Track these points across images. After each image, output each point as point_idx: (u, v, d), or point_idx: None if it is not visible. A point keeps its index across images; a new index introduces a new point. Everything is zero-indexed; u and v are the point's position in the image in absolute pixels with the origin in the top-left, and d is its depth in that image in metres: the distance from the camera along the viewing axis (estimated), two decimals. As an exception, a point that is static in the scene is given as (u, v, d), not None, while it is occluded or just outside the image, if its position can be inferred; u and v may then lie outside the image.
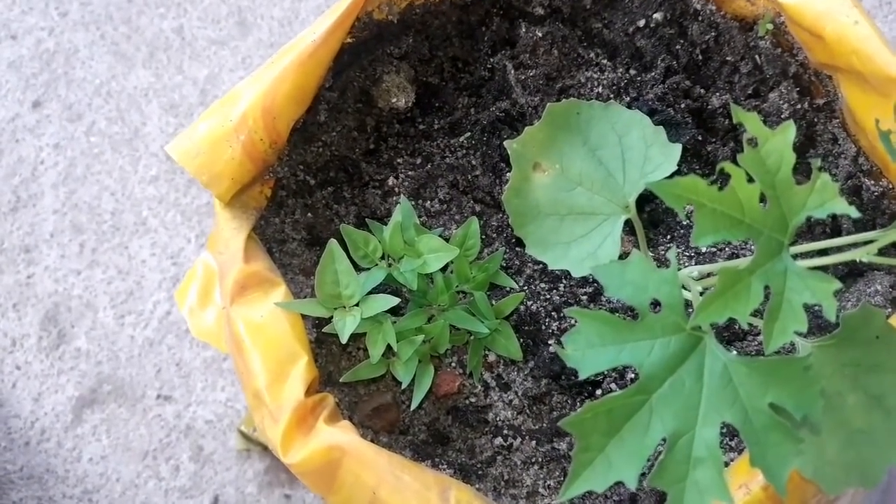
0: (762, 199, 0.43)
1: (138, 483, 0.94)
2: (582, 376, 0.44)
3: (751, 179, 0.42)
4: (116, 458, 0.95)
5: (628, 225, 0.57)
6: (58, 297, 1.01)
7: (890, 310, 0.62)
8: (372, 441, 0.58)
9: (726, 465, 0.58)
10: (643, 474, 0.44)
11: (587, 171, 0.57)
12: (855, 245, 0.49)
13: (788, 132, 0.42)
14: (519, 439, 0.64)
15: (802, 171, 0.70)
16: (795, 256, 0.47)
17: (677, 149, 0.56)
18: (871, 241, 0.48)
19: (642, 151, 0.56)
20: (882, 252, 0.49)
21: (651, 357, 0.44)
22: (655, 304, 0.46)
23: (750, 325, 0.62)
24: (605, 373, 0.65)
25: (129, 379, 0.98)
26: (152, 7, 1.13)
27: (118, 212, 1.04)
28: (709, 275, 0.54)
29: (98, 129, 1.07)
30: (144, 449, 0.96)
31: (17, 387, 0.98)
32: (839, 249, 0.49)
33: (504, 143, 0.59)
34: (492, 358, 0.66)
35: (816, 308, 0.44)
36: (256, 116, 0.61)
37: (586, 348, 0.44)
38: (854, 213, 0.42)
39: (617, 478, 0.43)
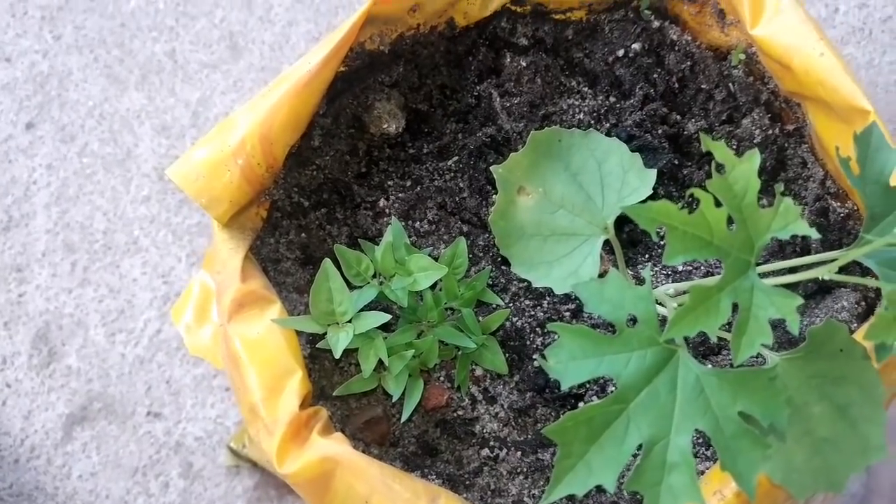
0: (730, 221, 0.45)
1: (128, 500, 0.95)
2: (564, 387, 0.46)
3: (719, 204, 0.45)
4: (106, 475, 0.96)
5: (608, 245, 0.59)
6: (49, 316, 1.02)
7: (856, 325, 0.64)
8: (363, 453, 0.59)
9: (702, 472, 0.61)
10: (621, 480, 0.46)
11: (568, 195, 0.60)
12: (821, 264, 0.51)
13: (753, 160, 0.45)
14: (505, 450, 0.65)
15: (772, 194, 0.73)
16: (764, 275, 0.50)
17: (652, 174, 0.58)
18: (834, 260, 0.51)
19: (620, 176, 0.58)
20: (847, 271, 0.51)
21: (628, 369, 0.46)
22: (633, 319, 0.48)
23: (723, 340, 0.65)
24: (588, 387, 0.67)
25: (120, 396, 0.98)
26: (145, 31, 1.15)
27: (110, 231, 1.05)
28: (684, 292, 0.56)
29: (91, 150, 1.09)
30: (134, 466, 0.96)
31: (7, 404, 0.98)
32: (808, 268, 0.51)
33: (490, 168, 0.61)
34: (479, 372, 0.67)
35: (786, 324, 0.46)
36: (254, 142, 0.62)
37: (568, 360, 0.46)
38: (814, 234, 0.44)
39: (596, 482, 0.45)
